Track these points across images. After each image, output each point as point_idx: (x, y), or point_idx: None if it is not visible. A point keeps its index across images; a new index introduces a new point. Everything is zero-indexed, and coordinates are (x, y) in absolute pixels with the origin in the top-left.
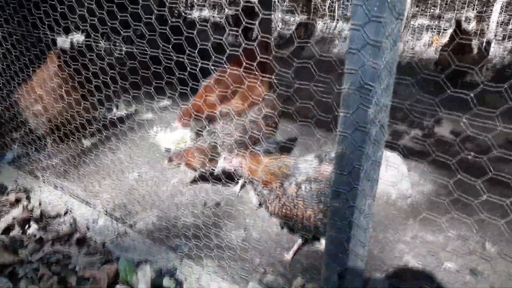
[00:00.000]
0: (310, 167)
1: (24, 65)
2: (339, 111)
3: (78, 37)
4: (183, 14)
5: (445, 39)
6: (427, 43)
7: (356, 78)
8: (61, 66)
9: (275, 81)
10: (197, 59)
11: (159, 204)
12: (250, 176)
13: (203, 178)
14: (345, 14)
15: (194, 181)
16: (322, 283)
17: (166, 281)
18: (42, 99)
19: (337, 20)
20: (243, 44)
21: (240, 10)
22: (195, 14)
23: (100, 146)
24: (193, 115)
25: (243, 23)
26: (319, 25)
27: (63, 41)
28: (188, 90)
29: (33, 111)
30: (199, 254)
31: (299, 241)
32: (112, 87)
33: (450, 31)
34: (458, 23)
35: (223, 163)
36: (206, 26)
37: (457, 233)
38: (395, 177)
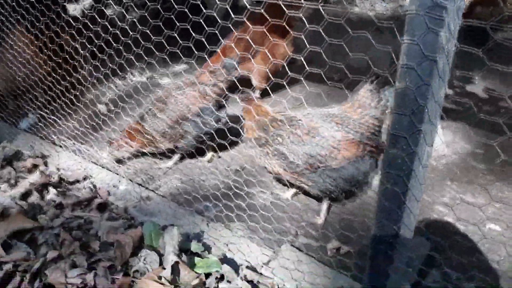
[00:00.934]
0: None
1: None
2: (403, 39)
3: (88, 2)
4: None
5: None
6: None
7: None
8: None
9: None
10: (217, 19)
11: (182, 168)
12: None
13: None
14: None
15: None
16: (372, 243)
17: (194, 245)
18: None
19: None
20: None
21: None
22: None
23: (117, 111)
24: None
25: None
26: None
27: (73, 8)
28: (206, 53)
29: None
30: (227, 217)
31: (325, 203)
32: (125, 55)
33: None
34: None
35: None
36: None
37: (498, 194)
38: None
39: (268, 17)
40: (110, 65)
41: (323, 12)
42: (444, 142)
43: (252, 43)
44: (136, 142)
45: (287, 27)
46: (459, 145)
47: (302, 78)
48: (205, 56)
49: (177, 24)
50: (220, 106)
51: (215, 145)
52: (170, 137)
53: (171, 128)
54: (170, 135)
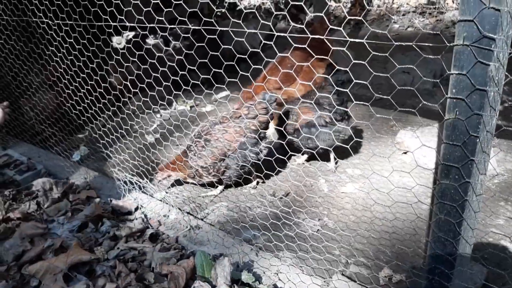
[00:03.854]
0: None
1: (88, 59)
2: (450, 72)
3: (132, 34)
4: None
5: None
6: None
7: (472, 29)
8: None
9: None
10: (261, 38)
11: (228, 195)
12: None
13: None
14: None
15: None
16: (427, 274)
17: (244, 275)
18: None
19: None
20: (302, 25)
21: None
22: (244, 2)
23: (164, 140)
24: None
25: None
26: (376, 1)
27: (117, 40)
28: (249, 74)
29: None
30: (276, 246)
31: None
32: (170, 82)
33: None
34: None
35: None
36: (255, 12)
37: None
38: None
39: (312, 53)
40: (153, 95)
41: (368, 48)
42: (495, 161)
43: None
44: (182, 173)
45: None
46: (511, 163)
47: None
48: (250, 78)
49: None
50: (260, 138)
51: (261, 170)
52: (214, 171)
53: (214, 164)
54: (213, 170)
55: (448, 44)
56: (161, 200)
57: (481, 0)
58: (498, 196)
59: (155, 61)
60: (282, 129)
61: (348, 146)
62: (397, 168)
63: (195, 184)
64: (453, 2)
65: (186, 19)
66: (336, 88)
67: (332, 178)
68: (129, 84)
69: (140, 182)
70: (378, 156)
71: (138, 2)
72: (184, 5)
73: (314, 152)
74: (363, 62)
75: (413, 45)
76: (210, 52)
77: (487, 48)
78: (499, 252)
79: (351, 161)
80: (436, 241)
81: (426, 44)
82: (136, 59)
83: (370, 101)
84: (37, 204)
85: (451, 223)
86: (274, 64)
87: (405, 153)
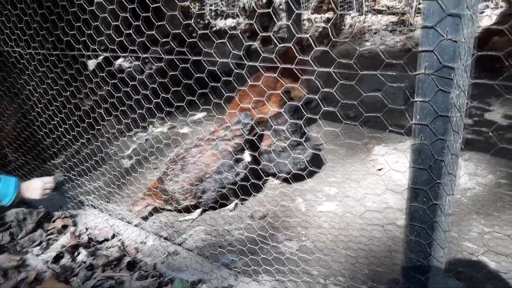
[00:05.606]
0: None
1: (61, 87)
2: (414, 100)
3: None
4: (211, 22)
5: (483, 21)
6: None
7: (433, 59)
8: None
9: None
10: (233, 66)
11: (206, 219)
12: None
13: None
14: (373, 7)
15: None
16: None
17: None
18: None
19: (366, 13)
20: (279, 46)
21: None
22: (221, 23)
23: (140, 165)
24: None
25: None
26: (348, 20)
27: (93, 63)
28: (223, 100)
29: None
30: (254, 270)
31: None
32: (145, 106)
33: (488, 12)
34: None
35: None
36: (237, 33)
37: None
38: None
39: (279, 63)
40: (131, 115)
41: (333, 54)
42: (467, 175)
43: (265, 89)
44: (159, 201)
45: (298, 71)
46: (482, 176)
47: (318, 118)
48: (222, 103)
49: (194, 73)
50: (238, 160)
51: (238, 193)
52: (190, 196)
53: (190, 188)
54: (191, 194)
55: (410, 73)
56: (137, 227)
57: (439, 32)
58: (471, 210)
59: (132, 84)
60: (256, 154)
61: (304, 173)
62: (373, 185)
63: (171, 210)
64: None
65: (171, 38)
66: (293, 115)
67: (310, 197)
68: (104, 109)
69: (116, 209)
70: (354, 174)
71: (117, 22)
72: (167, 25)
73: (278, 175)
74: (338, 83)
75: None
76: (185, 78)
77: (447, 77)
78: (472, 266)
79: (328, 179)
80: (408, 262)
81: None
82: (110, 83)
83: (343, 121)
84: (10, 235)
85: (421, 244)
86: (247, 87)
87: (380, 169)
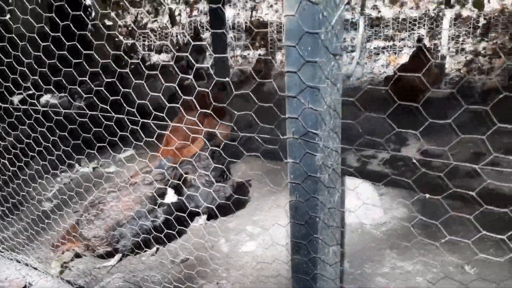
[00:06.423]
0: None
1: None
2: (287, 161)
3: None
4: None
5: (401, 59)
6: (385, 64)
7: (298, 125)
8: None
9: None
10: (164, 101)
11: (126, 265)
12: None
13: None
14: None
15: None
16: None
17: None
18: None
19: None
20: (197, 89)
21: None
22: (154, 57)
23: (62, 208)
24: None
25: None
26: (279, 56)
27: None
28: (154, 137)
29: None
30: None
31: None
32: (71, 143)
33: (406, 50)
34: (418, 43)
35: None
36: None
37: (435, 258)
38: (366, 205)
39: (197, 106)
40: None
41: (255, 99)
42: (382, 209)
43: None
44: (78, 245)
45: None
46: (397, 210)
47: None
48: (154, 140)
49: (125, 106)
50: (160, 205)
51: (158, 238)
52: (106, 242)
53: (107, 234)
54: (106, 240)
55: (281, 137)
56: (53, 276)
57: (301, 101)
58: (385, 244)
59: (56, 119)
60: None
61: (229, 206)
62: None
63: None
64: (347, 57)
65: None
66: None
67: (233, 238)
68: (26, 146)
69: (30, 258)
70: (276, 210)
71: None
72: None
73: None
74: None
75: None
76: (114, 113)
77: (313, 141)
78: None
79: (252, 217)
80: None
81: None
82: (32, 120)
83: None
84: None
85: None
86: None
87: None
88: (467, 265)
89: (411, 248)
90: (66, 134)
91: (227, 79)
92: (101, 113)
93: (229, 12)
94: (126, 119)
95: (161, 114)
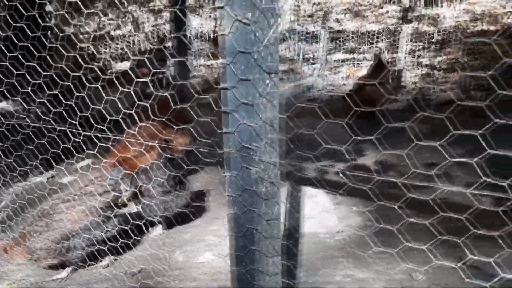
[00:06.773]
0: None
1: None
2: (224, 174)
3: None
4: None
5: (361, 71)
6: (345, 76)
7: (235, 139)
8: None
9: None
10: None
11: (77, 278)
12: None
13: None
14: None
15: None
16: None
17: None
18: None
19: None
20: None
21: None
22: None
23: (13, 219)
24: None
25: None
26: None
27: None
28: (110, 145)
29: None
30: None
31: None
32: (24, 152)
33: (366, 63)
34: (377, 56)
35: None
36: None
37: (386, 265)
38: (321, 214)
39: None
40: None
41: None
42: (338, 218)
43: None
44: (26, 255)
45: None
46: (352, 219)
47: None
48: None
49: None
50: (112, 216)
51: (111, 249)
52: (54, 253)
53: (55, 245)
54: (54, 251)
55: (220, 150)
56: None
57: (237, 117)
58: (339, 253)
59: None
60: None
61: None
62: None
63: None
64: (308, 69)
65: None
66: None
67: (189, 249)
68: None
69: None
70: None
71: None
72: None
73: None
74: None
75: None
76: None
77: (248, 155)
78: None
79: (209, 228)
80: None
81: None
82: None
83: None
84: None
85: None
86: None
87: None
88: (415, 272)
89: (364, 256)
90: (21, 142)
91: (187, 83)
92: (54, 123)
93: (194, 22)
94: (80, 128)
95: (120, 122)
